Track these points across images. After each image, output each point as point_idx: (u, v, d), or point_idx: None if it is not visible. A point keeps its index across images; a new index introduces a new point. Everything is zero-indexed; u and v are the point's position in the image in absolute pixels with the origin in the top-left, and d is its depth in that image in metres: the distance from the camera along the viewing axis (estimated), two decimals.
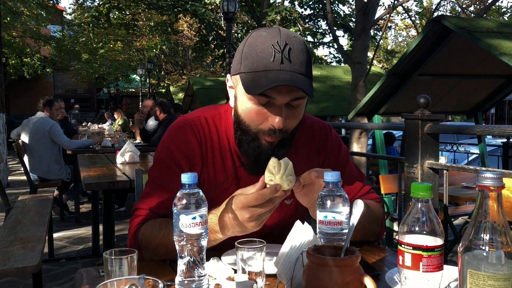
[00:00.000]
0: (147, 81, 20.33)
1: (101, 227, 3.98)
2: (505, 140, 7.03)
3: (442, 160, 6.86)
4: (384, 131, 7.98)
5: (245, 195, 1.03)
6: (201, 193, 0.97)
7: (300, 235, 1.04)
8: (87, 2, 16.53)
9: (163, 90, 22.88)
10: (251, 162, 1.28)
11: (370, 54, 10.33)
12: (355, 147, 7.02)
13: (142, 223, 1.28)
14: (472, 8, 9.12)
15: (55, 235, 4.62)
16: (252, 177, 1.31)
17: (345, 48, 13.78)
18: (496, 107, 21.20)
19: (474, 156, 7.89)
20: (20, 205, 3.64)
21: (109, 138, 6.32)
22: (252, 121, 1.21)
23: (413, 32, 22.75)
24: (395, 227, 4.72)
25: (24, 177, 5.49)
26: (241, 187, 1.32)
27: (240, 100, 1.23)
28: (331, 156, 1.42)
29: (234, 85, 1.26)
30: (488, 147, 7.31)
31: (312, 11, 12.77)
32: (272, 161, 1.07)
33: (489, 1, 7.98)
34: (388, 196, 5.15)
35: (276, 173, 1.05)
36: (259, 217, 1.04)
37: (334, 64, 16.15)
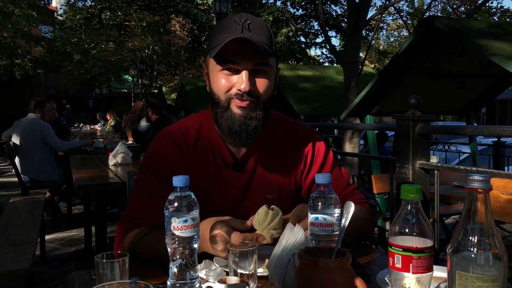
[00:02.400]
0: (140, 82, 20.25)
1: (93, 229, 3.96)
2: (495, 139, 7.08)
3: (434, 159, 6.89)
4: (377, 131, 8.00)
5: (230, 230, 1.09)
6: (193, 196, 0.97)
7: (291, 237, 1.04)
8: (79, 3, 16.43)
9: (156, 91, 22.80)
10: (226, 134, 1.32)
11: (362, 55, 10.37)
12: (348, 147, 7.04)
13: (126, 231, 1.32)
14: (463, 8, 9.18)
15: (47, 237, 4.59)
16: (236, 175, 1.38)
17: (337, 48, 13.83)
18: (487, 107, 21.35)
19: (465, 155, 7.94)
20: (12, 207, 3.61)
21: (101, 139, 6.30)
22: (222, 88, 1.28)
23: (404, 32, 22.86)
24: (388, 227, 4.74)
25: (16, 179, 5.45)
26: (226, 186, 1.37)
27: (212, 76, 1.32)
28: (314, 157, 1.46)
29: (207, 66, 1.35)
30: (479, 146, 7.36)
31: (304, 12, 12.78)
32: (261, 210, 1.13)
33: (480, 2, 8.03)
34: (380, 195, 5.17)
35: (260, 224, 1.11)
36: None
37: (326, 64, 16.20)
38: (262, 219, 1.11)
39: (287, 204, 1.43)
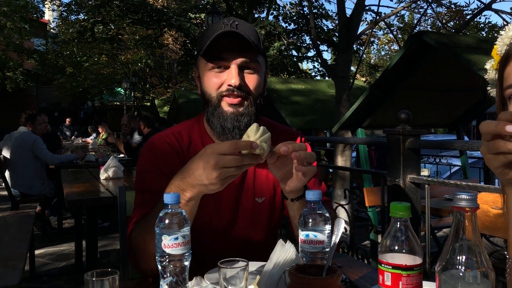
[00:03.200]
0: (132, 95, 20.24)
1: (84, 243, 3.93)
2: None
3: (425, 172, 6.92)
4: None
5: (218, 142, 1.04)
6: (184, 213, 0.97)
7: (282, 254, 1.04)
8: (72, 17, 16.44)
9: (148, 104, 22.79)
10: (219, 132, 1.32)
11: (353, 68, 10.46)
12: (339, 160, 7.06)
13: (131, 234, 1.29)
14: (452, 23, 9.33)
15: (37, 251, 4.54)
16: None
17: (329, 62, 13.94)
18: (477, 119, 21.55)
19: (456, 168, 7.99)
20: (1, 222, 3.57)
21: (93, 153, 6.28)
22: (212, 86, 1.30)
23: (395, 46, 23.11)
24: (380, 239, 4.74)
25: (5, 192, 5.40)
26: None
27: (202, 76, 1.34)
28: None
29: (197, 68, 1.38)
30: (469, 159, 7.42)
31: (296, 26, 12.90)
32: (252, 126, 1.07)
33: (468, 17, 8.17)
34: (372, 208, 5.18)
35: (252, 136, 1.05)
36: (224, 171, 1.01)
37: (318, 78, 16.31)
38: (253, 132, 1.05)
39: (277, 208, 1.44)
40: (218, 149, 1.01)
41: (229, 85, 1.27)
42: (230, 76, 1.27)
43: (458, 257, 0.74)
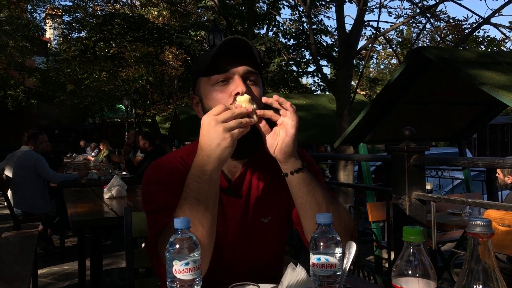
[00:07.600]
0: (133, 111, 20.30)
1: (87, 262, 3.90)
2: None
3: (428, 186, 6.90)
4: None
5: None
6: (194, 238, 0.97)
7: (293, 277, 1.04)
8: (73, 35, 16.60)
9: (149, 120, 22.84)
10: None
11: (353, 83, 10.50)
12: (342, 175, 7.06)
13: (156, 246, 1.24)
14: (450, 37, 9.39)
15: (39, 271, 4.51)
16: (231, 199, 1.37)
17: (329, 76, 14.01)
18: (478, 132, 21.61)
19: (458, 181, 7.97)
20: (4, 243, 3.56)
21: (95, 171, 6.27)
22: (219, 101, 1.28)
23: (394, 60, 23.24)
24: (384, 255, 4.71)
25: (6, 211, 5.39)
26: (224, 211, 1.35)
27: (206, 96, 1.33)
28: None
29: (197, 91, 1.37)
30: (472, 172, 7.40)
31: (295, 42, 13.00)
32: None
33: (467, 32, 8.23)
34: (376, 223, 5.16)
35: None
36: (227, 125, 1.11)
37: (318, 92, 16.39)
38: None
39: (283, 227, 1.44)
40: (212, 112, 1.14)
41: (236, 94, 1.25)
42: (236, 85, 1.26)
43: (474, 283, 0.74)
